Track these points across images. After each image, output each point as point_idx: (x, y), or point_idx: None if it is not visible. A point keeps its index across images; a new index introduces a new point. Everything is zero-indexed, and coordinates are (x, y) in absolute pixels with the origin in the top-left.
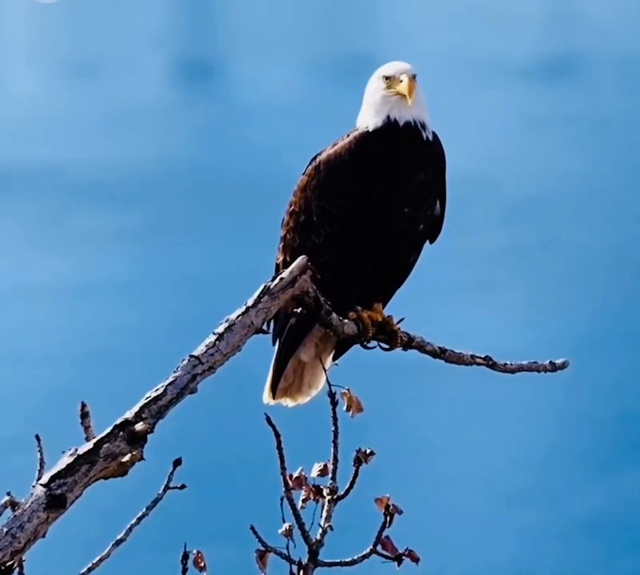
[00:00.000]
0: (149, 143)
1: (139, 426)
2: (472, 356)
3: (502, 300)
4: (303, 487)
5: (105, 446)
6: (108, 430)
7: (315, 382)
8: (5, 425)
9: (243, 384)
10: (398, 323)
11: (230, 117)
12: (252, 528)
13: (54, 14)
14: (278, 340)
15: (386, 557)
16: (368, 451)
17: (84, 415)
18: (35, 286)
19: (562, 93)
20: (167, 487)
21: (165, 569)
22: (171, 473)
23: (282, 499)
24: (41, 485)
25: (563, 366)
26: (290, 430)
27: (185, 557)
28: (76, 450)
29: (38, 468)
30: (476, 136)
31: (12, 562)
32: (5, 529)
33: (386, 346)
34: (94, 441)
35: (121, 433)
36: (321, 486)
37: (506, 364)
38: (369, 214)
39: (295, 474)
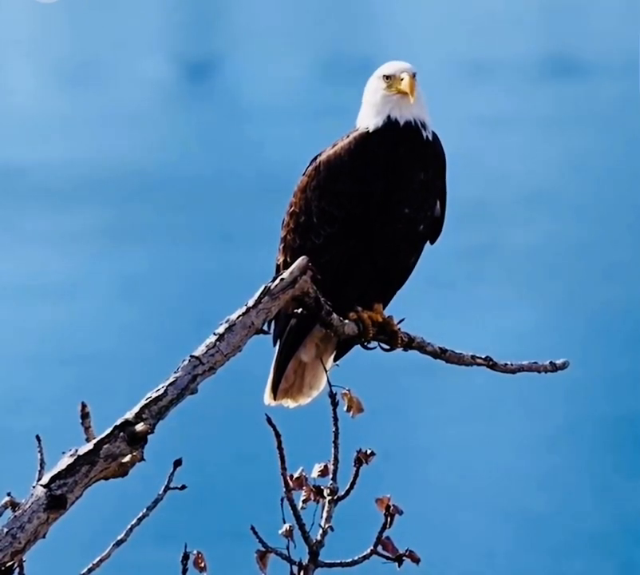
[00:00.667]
0: (149, 144)
1: (139, 427)
2: (473, 357)
3: (502, 300)
4: (304, 487)
5: (106, 446)
6: (109, 430)
7: (316, 383)
8: (5, 425)
9: (244, 385)
10: (399, 323)
11: (230, 118)
12: (252, 528)
13: (54, 14)
14: (278, 341)
15: (387, 558)
16: (368, 452)
17: (85, 416)
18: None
19: (562, 93)
20: (167, 487)
21: (165, 570)
22: (172, 473)
23: (282, 499)
24: (41, 485)
25: (564, 366)
26: (291, 430)
27: (185, 557)
28: (76, 450)
29: (38, 468)
30: (477, 135)
31: (12, 563)
32: (5, 530)
33: (387, 347)
34: (94, 441)
35: (121, 433)
36: (322, 487)
37: (506, 364)
38: (369, 214)
39: (296, 475)
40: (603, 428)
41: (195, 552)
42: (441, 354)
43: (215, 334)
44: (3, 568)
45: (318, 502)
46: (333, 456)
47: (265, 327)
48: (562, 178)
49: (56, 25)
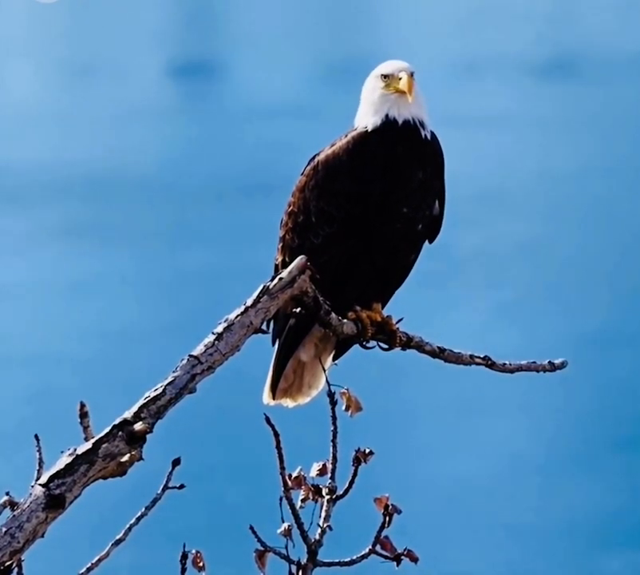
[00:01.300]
0: (148, 144)
1: (138, 426)
2: (471, 356)
3: (501, 300)
4: (302, 487)
5: (104, 445)
6: (107, 429)
7: (315, 383)
8: (5, 424)
9: (243, 384)
10: (397, 322)
11: (230, 118)
12: (251, 528)
13: (54, 14)
14: (277, 341)
15: (385, 557)
16: (367, 451)
17: (83, 415)
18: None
19: (563, 93)
20: (166, 487)
21: (164, 569)
22: (171, 473)
23: (281, 499)
24: (40, 485)
25: (562, 366)
26: (289, 429)
27: (184, 556)
28: (75, 449)
29: (37, 468)
30: (477, 136)
31: (11, 562)
32: (4, 529)
33: (385, 346)
34: (93, 441)
35: (120, 433)
36: (321, 486)
37: (505, 364)
38: (368, 214)
39: (294, 474)
40: (604, 428)
41: (193, 551)
42: (440, 353)
43: (213, 333)
44: (2, 567)
45: (316, 501)
46: (331, 455)
47: (264, 327)
48: (564, 178)
49: (56, 25)
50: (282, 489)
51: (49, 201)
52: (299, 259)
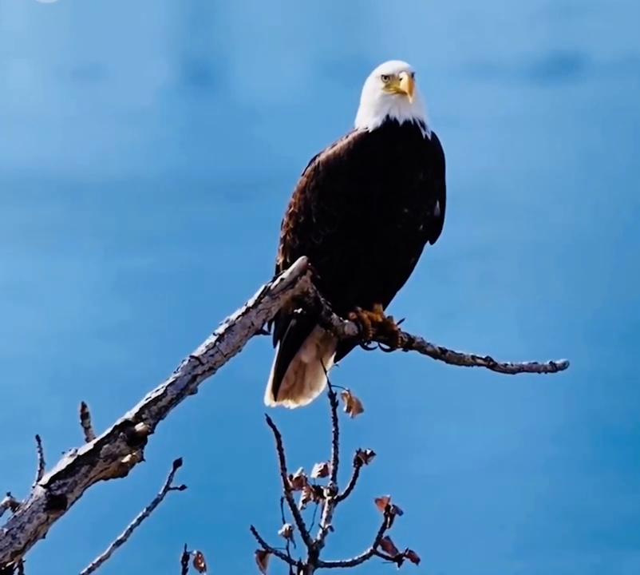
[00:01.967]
0: (148, 145)
1: (139, 427)
2: (473, 357)
3: (501, 300)
4: (303, 488)
5: (105, 446)
6: (108, 430)
7: (317, 384)
8: (4, 424)
9: (244, 385)
10: (399, 323)
11: (230, 118)
12: (252, 528)
13: (54, 14)
14: (279, 342)
15: (386, 558)
16: (368, 452)
17: (85, 416)
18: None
19: (563, 94)
20: (167, 488)
21: (165, 570)
22: (172, 473)
23: (282, 500)
24: (41, 485)
25: (564, 366)
26: (291, 430)
27: (185, 557)
28: (76, 450)
29: (38, 468)
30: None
31: (12, 563)
32: (5, 530)
33: (387, 347)
34: (94, 441)
35: (121, 433)
36: (322, 487)
37: (506, 365)
38: (369, 215)
39: (295, 475)
40: (603, 428)
41: (195, 552)
42: (441, 354)
43: (214, 334)
44: (3, 568)
45: (317, 502)
46: (332, 456)
47: (265, 328)
48: (565, 178)
49: (56, 26)
50: (284, 489)
51: (49, 201)
52: (300, 260)
